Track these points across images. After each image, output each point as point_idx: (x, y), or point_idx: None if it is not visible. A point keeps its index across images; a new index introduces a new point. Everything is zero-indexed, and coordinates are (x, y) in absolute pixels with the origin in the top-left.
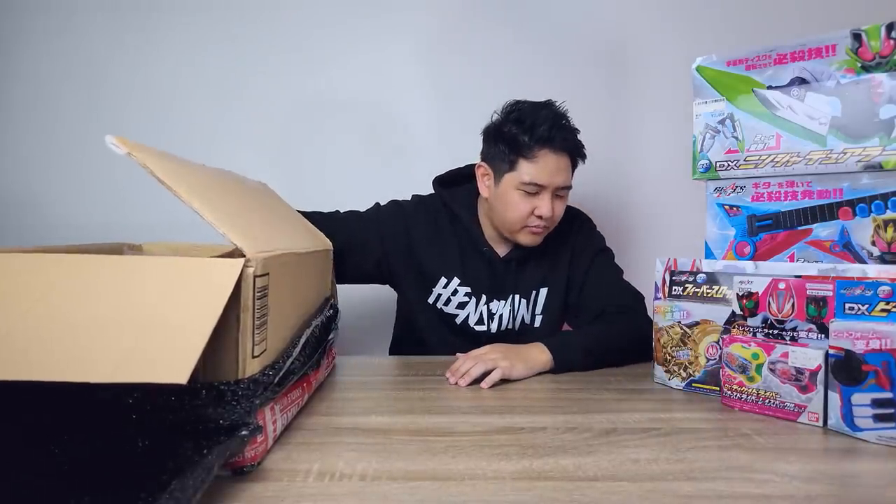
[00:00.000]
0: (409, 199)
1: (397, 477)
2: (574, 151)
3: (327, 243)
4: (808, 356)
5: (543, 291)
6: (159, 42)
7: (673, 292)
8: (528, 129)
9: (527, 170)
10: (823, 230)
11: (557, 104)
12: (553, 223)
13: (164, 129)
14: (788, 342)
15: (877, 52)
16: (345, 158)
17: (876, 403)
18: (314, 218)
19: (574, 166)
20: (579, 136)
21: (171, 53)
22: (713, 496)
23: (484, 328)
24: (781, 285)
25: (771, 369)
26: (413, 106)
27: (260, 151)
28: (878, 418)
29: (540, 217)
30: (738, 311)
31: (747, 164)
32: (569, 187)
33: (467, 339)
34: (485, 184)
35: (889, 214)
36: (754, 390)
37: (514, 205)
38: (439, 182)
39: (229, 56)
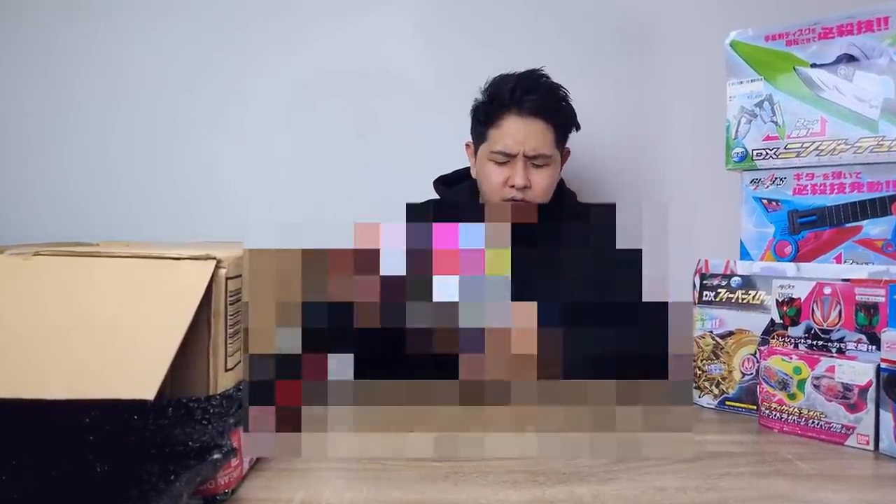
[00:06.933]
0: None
1: None
2: (548, 113)
3: None
4: (857, 370)
5: None
6: (118, 18)
7: (704, 298)
8: (493, 96)
9: (494, 138)
10: (874, 228)
11: (539, 70)
12: (537, 196)
13: (129, 115)
14: (835, 355)
15: None
16: (332, 150)
17: None
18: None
19: (559, 132)
20: (562, 97)
21: (132, 30)
22: None
23: None
24: (827, 290)
25: (815, 385)
26: (412, 87)
27: (233, 140)
28: None
29: (514, 188)
30: (777, 320)
31: (788, 153)
32: (546, 155)
33: None
34: (471, 163)
35: None
36: (796, 409)
37: (488, 176)
38: (442, 182)
39: (199, 31)
